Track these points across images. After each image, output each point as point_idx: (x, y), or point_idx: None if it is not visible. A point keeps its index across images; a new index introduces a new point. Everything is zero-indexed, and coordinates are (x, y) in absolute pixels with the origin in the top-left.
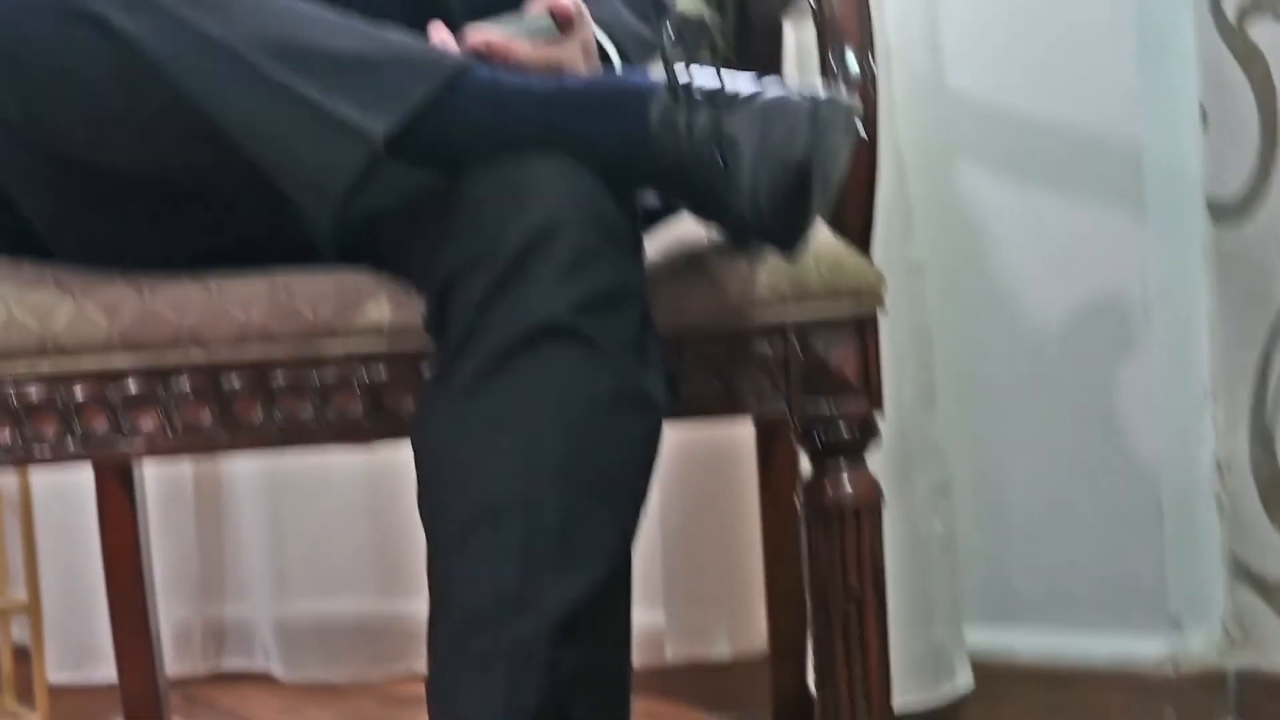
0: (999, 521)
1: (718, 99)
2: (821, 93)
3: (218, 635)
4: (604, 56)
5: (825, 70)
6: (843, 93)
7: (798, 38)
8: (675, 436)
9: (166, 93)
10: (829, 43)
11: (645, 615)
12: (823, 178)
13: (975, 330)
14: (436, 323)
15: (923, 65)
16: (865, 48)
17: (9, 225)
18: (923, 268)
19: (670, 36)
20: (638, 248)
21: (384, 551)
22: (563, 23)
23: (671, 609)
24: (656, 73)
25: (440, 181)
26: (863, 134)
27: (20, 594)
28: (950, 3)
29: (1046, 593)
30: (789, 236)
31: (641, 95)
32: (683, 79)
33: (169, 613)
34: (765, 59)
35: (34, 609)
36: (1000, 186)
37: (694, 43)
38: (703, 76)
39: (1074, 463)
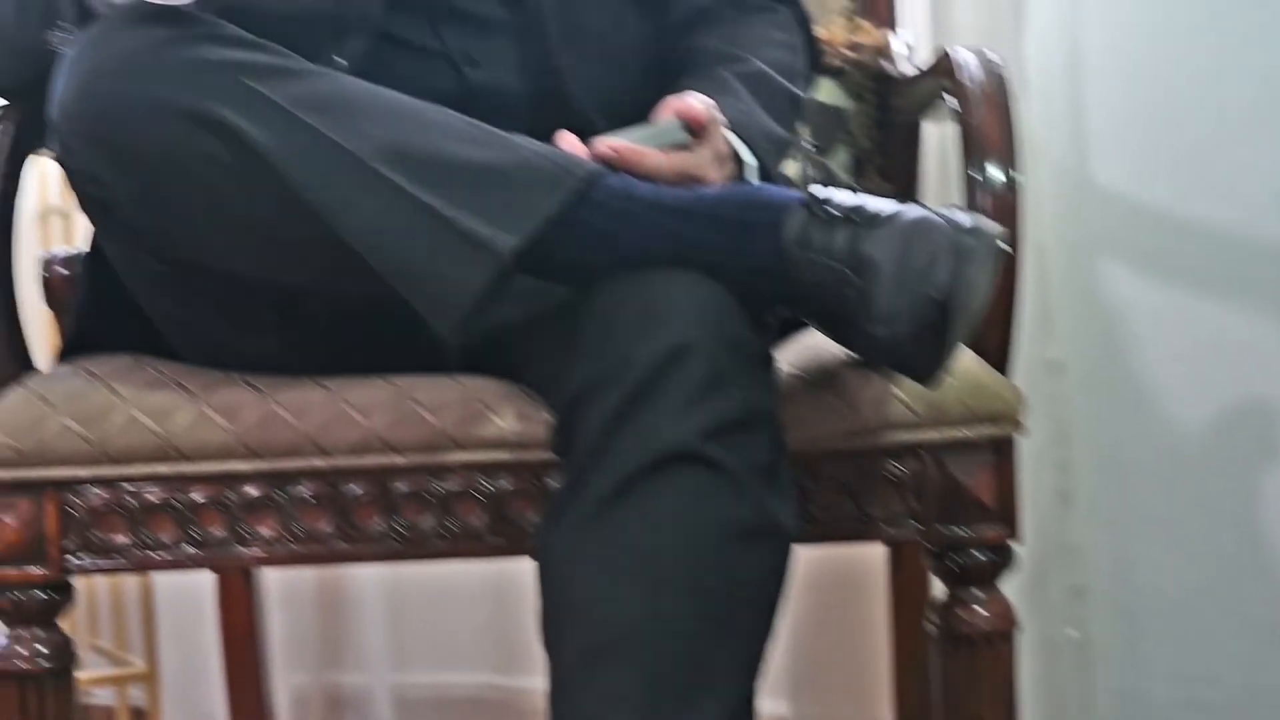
0: (1136, 627)
1: (856, 217)
2: (964, 218)
3: (335, 703)
4: (737, 159)
5: (967, 178)
6: (986, 218)
7: (938, 132)
8: (806, 549)
9: (289, 200)
10: (971, 151)
11: None
12: (964, 311)
13: (1115, 430)
14: (562, 441)
15: (1066, 157)
16: (1009, 157)
17: (134, 322)
18: (1063, 365)
19: (808, 149)
20: (770, 365)
21: (503, 625)
22: (694, 129)
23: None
24: (791, 167)
25: (568, 294)
26: (1006, 248)
27: (139, 662)
28: (1095, 93)
29: (1184, 702)
30: (927, 368)
31: (777, 210)
32: (820, 194)
33: (286, 679)
34: (903, 154)
35: (151, 677)
36: (1144, 283)
37: (831, 133)
38: (841, 193)
39: (1215, 568)
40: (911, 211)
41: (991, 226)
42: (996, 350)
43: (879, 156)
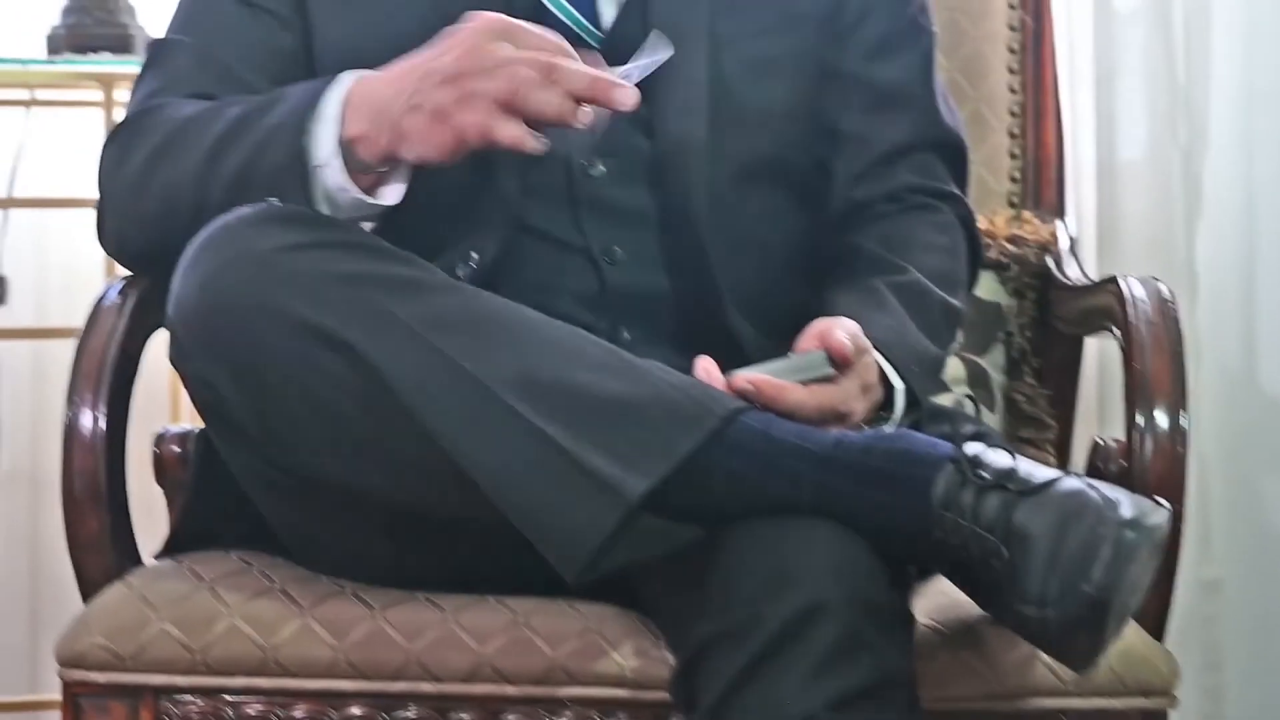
0: None
1: (1009, 483)
2: (1126, 504)
3: None
4: (884, 381)
5: (1130, 420)
6: (1149, 504)
7: (1100, 348)
8: None
9: (410, 424)
10: (1136, 393)
11: None
12: (1121, 607)
13: (1271, 653)
14: (683, 691)
15: (1233, 359)
16: (1177, 404)
17: (244, 514)
18: (1219, 585)
19: (963, 404)
20: (908, 625)
21: None
22: (840, 363)
23: None
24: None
25: (698, 534)
26: (1167, 506)
27: None
28: (1269, 292)
29: None
30: (1077, 657)
31: (925, 467)
32: (971, 452)
33: None
34: (1062, 359)
35: None
36: None
37: (987, 330)
38: (993, 453)
39: None
40: (1068, 483)
41: (1155, 517)
42: (1154, 615)
43: (1036, 358)
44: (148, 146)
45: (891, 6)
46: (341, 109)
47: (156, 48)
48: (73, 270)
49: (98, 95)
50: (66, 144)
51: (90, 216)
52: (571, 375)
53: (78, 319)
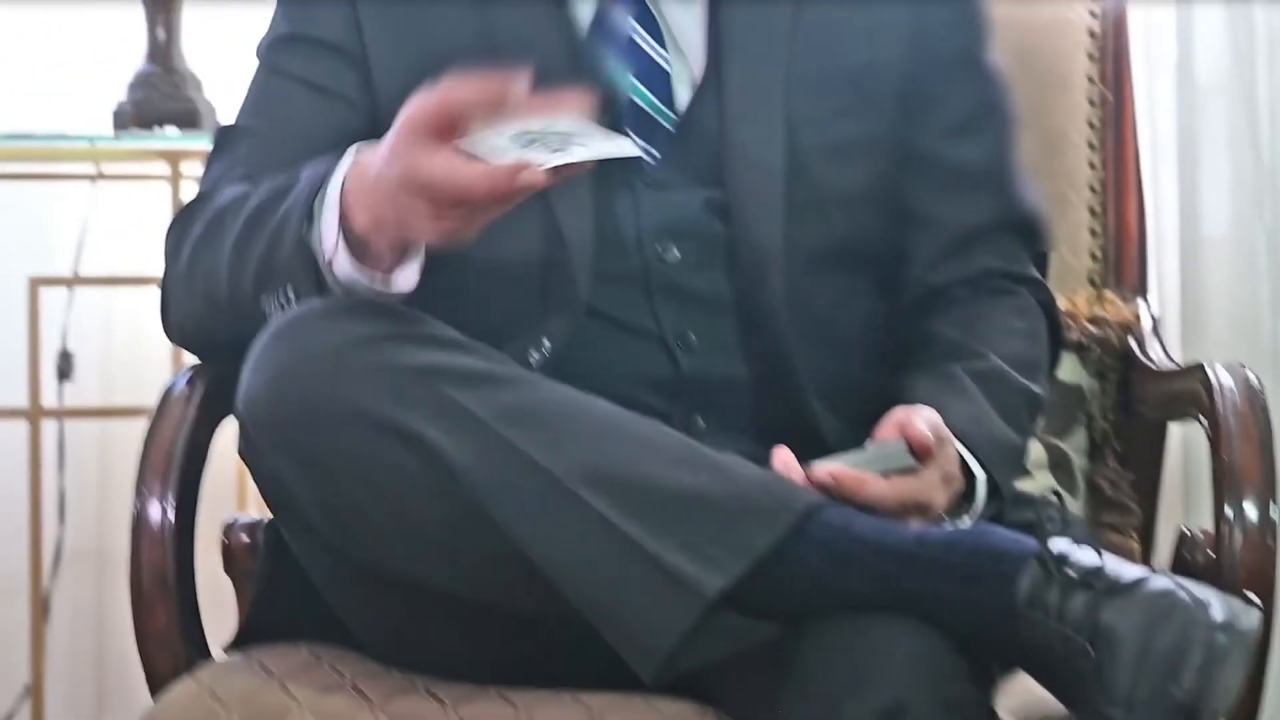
0: None
1: (1095, 581)
2: (1217, 606)
3: None
4: (965, 470)
5: (1219, 511)
6: (1241, 606)
7: (1184, 432)
8: None
9: (482, 519)
10: (1225, 484)
11: None
12: (1211, 713)
13: None
14: None
15: None
16: (1267, 496)
17: (314, 605)
18: None
19: (1049, 506)
20: None
21: None
22: (921, 454)
23: None
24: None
25: (776, 631)
26: (1259, 605)
27: None
28: None
29: None
30: None
31: (1010, 563)
32: (1057, 549)
33: None
34: (1145, 443)
35: None
36: None
37: (1068, 413)
38: (1079, 550)
39: None
40: (1156, 582)
41: (1248, 620)
42: (1245, 715)
43: (1119, 442)
44: (193, 237)
45: (971, 84)
46: (340, 196)
47: (224, 134)
48: (139, 348)
49: (164, 169)
50: (133, 220)
51: (156, 294)
52: (646, 468)
53: (144, 398)
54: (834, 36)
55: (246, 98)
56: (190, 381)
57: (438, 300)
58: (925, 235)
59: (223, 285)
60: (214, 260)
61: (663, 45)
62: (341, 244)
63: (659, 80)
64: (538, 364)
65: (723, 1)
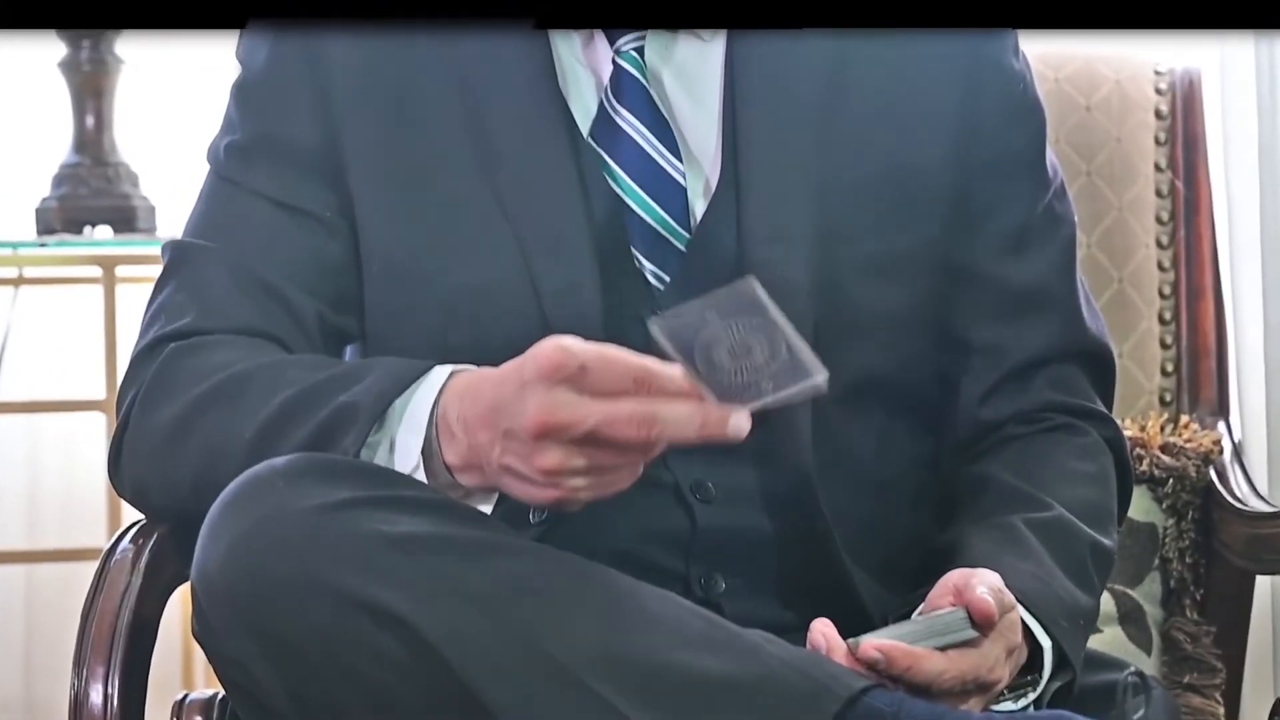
0: None
1: None
2: None
3: None
4: (1029, 636)
5: None
6: None
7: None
8: None
9: (474, 709)
10: None
11: None
12: None
13: None
14: None
15: None
16: None
17: None
18: None
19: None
20: None
21: None
22: (981, 623)
23: None
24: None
25: None
26: None
27: None
28: None
29: None
30: None
31: None
32: None
33: None
34: (1229, 591)
35: None
36: None
37: (1140, 557)
38: None
39: None
40: None
41: None
42: None
43: (1198, 589)
44: (188, 396)
45: (1025, 193)
46: (431, 420)
47: (179, 252)
48: (69, 480)
49: (95, 272)
50: (61, 329)
51: (90, 421)
52: (666, 652)
53: (77, 538)
54: (871, 134)
55: (199, 209)
56: (135, 540)
57: None
58: (976, 365)
59: (233, 463)
60: (224, 433)
61: (675, 151)
62: (420, 466)
63: (671, 194)
64: (537, 523)
65: (739, 93)
